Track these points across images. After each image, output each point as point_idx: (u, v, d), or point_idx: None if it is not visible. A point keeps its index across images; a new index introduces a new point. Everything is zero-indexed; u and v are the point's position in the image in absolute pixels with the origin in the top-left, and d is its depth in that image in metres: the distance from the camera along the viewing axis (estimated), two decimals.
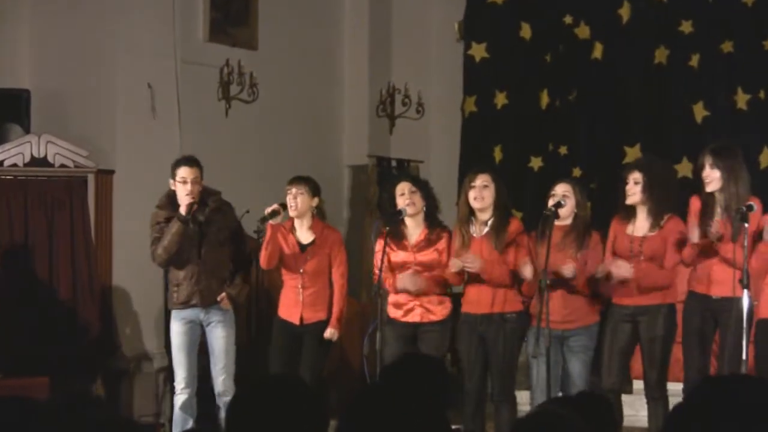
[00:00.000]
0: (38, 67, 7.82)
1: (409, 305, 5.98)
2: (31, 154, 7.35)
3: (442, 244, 6.01)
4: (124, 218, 7.60)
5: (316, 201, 6.26)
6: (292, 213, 6.22)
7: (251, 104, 8.51)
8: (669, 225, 5.81)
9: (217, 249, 6.19)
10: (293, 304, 6.24)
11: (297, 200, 6.17)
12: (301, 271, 6.19)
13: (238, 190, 7.78)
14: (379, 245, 5.92)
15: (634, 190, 5.82)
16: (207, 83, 8.37)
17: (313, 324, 6.23)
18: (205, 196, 6.24)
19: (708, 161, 5.63)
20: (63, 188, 7.36)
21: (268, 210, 6.14)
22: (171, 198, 6.20)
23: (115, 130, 7.67)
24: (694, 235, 5.60)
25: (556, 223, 5.75)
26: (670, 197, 5.88)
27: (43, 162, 7.36)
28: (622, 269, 5.71)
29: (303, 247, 6.22)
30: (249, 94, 8.46)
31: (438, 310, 5.96)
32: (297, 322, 6.22)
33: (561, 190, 5.90)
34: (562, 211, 5.82)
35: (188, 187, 6.07)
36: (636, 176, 5.81)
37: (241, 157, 8.63)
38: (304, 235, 6.25)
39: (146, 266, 7.44)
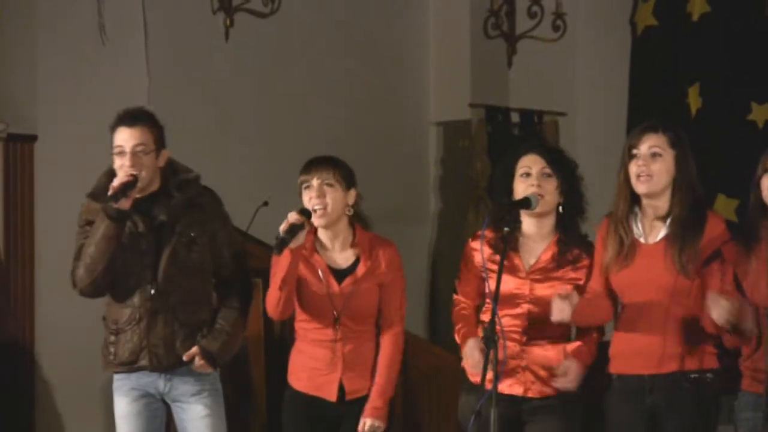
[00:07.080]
0: None
1: (509, 364, 5.87)
2: None
3: (580, 273, 5.93)
4: (55, 212, 7.69)
5: (352, 196, 6.11)
6: (318, 221, 6.05)
7: (268, 19, 8.59)
8: None
9: (188, 270, 6.08)
10: (324, 369, 6.16)
11: (326, 199, 6.02)
12: (336, 315, 6.13)
13: (247, 166, 7.62)
14: (484, 253, 5.82)
15: None
16: None
17: (361, 400, 6.10)
18: (169, 179, 6.11)
19: None
20: None
21: (285, 225, 5.87)
22: (112, 180, 5.99)
23: (36, 69, 7.82)
24: None
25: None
26: None
27: None
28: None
29: (340, 276, 6.11)
30: (265, 3, 8.53)
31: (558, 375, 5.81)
32: (333, 397, 6.11)
33: None
34: None
35: (127, 161, 5.95)
36: None
37: (251, 109, 8.37)
38: (340, 255, 6.18)
39: None
